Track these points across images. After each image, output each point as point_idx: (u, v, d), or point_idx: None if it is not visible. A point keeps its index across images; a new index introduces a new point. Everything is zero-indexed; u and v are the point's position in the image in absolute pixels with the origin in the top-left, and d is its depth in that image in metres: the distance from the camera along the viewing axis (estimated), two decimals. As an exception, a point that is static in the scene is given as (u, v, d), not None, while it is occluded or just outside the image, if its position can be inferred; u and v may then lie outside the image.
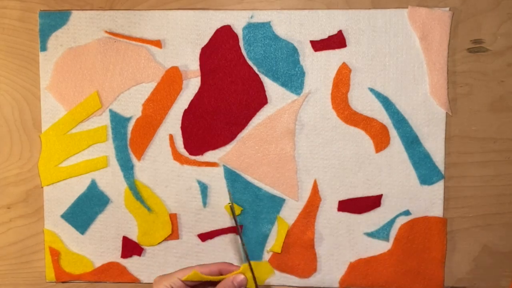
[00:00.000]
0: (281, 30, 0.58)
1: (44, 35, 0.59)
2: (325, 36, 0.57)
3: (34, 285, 0.62)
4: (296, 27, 0.58)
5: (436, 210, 0.58)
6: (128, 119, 0.59)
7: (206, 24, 0.58)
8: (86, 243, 0.61)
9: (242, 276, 0.51)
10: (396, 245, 0.59)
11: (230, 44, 0.58)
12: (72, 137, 0.60)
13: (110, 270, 0.61)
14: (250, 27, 0.58)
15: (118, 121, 0.59)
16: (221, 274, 0.52)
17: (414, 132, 0.58)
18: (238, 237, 0.59)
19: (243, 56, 0.58)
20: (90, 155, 0.60)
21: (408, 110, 0.58)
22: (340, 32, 0.57)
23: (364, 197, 0.59)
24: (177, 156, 0.59)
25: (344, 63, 0.58)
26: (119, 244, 0.61)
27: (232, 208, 0.54)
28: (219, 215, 0.60)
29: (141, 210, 0.60)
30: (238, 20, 0.58)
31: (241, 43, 0.58)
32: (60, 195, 0.60)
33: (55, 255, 0.61)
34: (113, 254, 0.61)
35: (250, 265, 0.52)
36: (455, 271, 0.59)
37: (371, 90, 0.58)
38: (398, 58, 0.57)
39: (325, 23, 0.58)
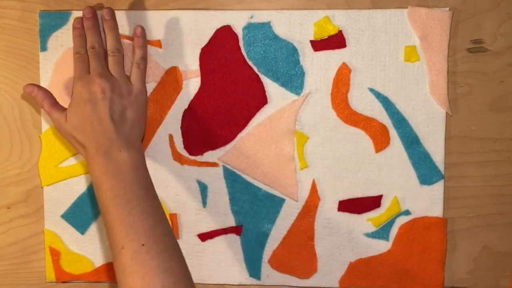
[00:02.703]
0: (281, 30, 0.58)
1: (44, 35, 0.59)
2: (325, 36, 0.57)
3: (34, 285, 0.62)
4: (296, 27, 0.58)
5: (436, 210, 0.58)
6: (128, 119, 0.59)
7: (206, 24, 0.58)
8: (86, 243, 0.61)
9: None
10: (396, 245, 0.59)
11: (230, 44, 0.58)
12: (72, 137, 0.60)
13: (110, 270, 0.61)
14: (250, 27, 0.58)
15: (118, 121, 0.59)
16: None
17: (414, 132, 0.58)
18: None
19: (243, 56, 0.58)
20: (90, 155, 0.60)
21: (408, 110, 0.58)
22: (340, 32, 0.57)
23: (364, 197, 0.59)
24: (177, 156, 0.59)
25: (344, 63, 0.57)
26: (119, 244, 0.60)
27: None
28: (219, 215, 0.60)
29: (141, 210, 0.60)
30: (238, 20, 0.58)
31: (241, 43, 0.58)
32: (60, 195, 0.60)
33: (55, 255, 0.61)
34: (113, 254, 0.61)
35: None
36: (455, 271, 0.59)
37: (371, 90, 0.58)
38: (398, 58, 0.57)
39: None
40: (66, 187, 0.60)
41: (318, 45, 0.58)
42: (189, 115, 0.59)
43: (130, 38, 0.58)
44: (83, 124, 0.52)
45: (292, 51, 0.58)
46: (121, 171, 0.50)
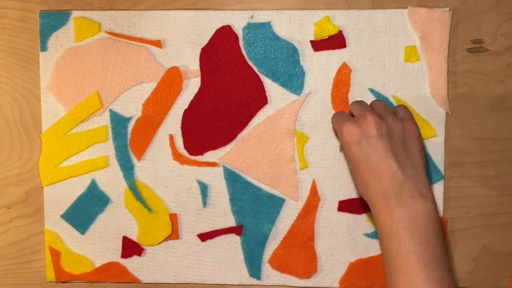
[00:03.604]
0: (281, 30, 0.58)
1: (44, 35, 0.59)
2: (325, 36, 0.58)
3: (34, 285, 0.62)
4: (296, 27, 0.58)
5: (436, 210, 0.58)
6: (128, 119, 0.59)
7: (206, 24, 0.58)
8: (86, 243, 0.61)
9: None
10: (396, 245, 0.59)
11: (230, 44, 0.58)
12: (72, 137, 0.60)
13: (110, 270, 0.61)
14: (250, 27, 0.58)
15: (118, 121, 0.59)
16: None
17: (414, 132, 0.58)
18: None
19: (243, 56, 0.58)
20: (90, 155, 0.60)
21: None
22: (340, 32, 0.57)
23: (364, 197, 0.59)
24: (177, 156, 0.59)
25: (344, 63, 0.58)
26: (119, 244, 0.61)
27: None
28: (219, 215, 0.60)
29: (141, 210, 0.60)
30: (238, 20, 0.58)
31: (241, 43, 0.58)
32: (60, 195, 0.60)
33: (55, 255, 0.61)
34: (113, 254, 0.61)
35: None
36: (455, 271, 0.59)
37: (371, 90, 0.58)
38: (398, 58, 0.57)
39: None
40: (66, 187, 0.60)
41: (318, 45, 0.58)
42: (189, 115, 0.59)
43: (130, 38, 0.58)
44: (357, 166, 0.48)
45: (292, 51, 0.58)
46: (416, 223, 0.44)
